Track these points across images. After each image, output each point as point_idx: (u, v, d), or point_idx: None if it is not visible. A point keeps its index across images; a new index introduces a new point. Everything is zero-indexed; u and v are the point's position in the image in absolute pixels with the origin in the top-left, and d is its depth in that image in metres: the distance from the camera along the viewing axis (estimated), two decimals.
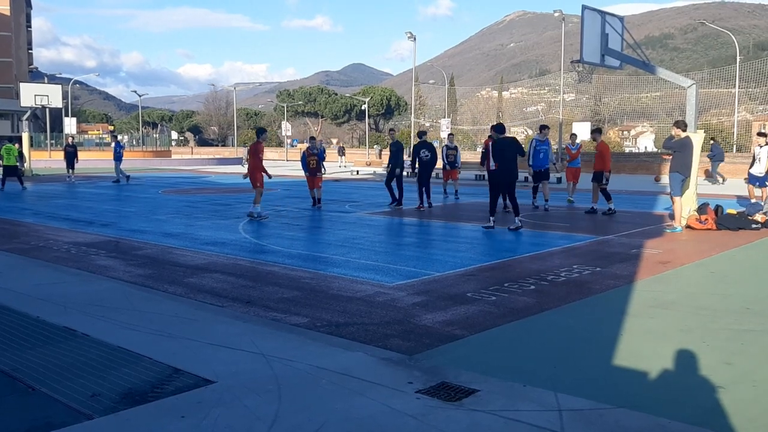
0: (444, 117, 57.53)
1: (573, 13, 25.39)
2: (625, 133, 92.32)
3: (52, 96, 31.21)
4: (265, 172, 13.56)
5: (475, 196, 17.97)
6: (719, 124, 46.76)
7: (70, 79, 70.59)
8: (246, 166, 16.13)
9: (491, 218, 11.62)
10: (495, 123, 12.50)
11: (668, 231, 11.23)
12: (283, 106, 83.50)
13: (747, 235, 10.84)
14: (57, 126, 62.93)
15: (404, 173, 16.63)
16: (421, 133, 16.67)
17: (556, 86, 52.94)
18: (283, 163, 50.13)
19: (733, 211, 12.13)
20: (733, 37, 47.07)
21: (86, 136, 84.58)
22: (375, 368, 4.34)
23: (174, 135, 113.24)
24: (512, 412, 3.60)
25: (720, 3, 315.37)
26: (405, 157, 17.71)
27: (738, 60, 41.08)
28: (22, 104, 31.05)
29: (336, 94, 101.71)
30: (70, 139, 29.19)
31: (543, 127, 15.65)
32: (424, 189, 15.26)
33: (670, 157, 11.52)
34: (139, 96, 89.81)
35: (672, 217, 11.88)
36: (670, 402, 3.81)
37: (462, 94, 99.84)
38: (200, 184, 25.54)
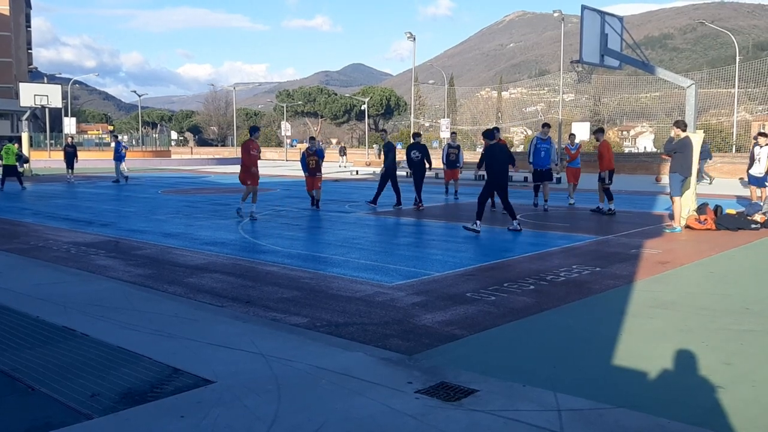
0: (444, 117, 57.51)
1: (573, 13, 25.36)
2: (625, 133, 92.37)
3: (51, 96, 31.23)
4: (249, 172, 13.11)
5: (475, 197, 17.89)
6: (718, 125, 46.73)
7: (70, 79, 70.71)
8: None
9: (478, 222, 11.06)
10: (484, 129, 12.59)
11: (668, 231, 11.24)
12: (283, 106, 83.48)
13: (746, 235, 10.85)
14: (56, 126, 62.95)
15: (405, 173, 16.64)
16: (416, 135, 16.94)
17: (556, 86, 52.93)
18: (282, 163, 50.15)
19: (733, 212, 12.14)
20: (732, 37, 47.04)
21: (86, 136, 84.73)
22: (374, 368, 4.35)
23: (173, 135, 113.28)
24: (512, 412, 3.60)
25: (719, 3, 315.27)
26: (398, 157, 17.81)
27: (737, 60, 41.05)
28: (22, 104, 31.06)
29: (336, 94, 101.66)
30: (69, 139, 29.14)
31: (545, 125, 15.64)
32: (415, 188, 15.51)
33: (669, 157, 11.53)
34: (139, 96, 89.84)
35: (671, 217, 11.89)
36: (670, 402, 3.82)
37: (462, 94, 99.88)
38: (200, 184, 25.54)
